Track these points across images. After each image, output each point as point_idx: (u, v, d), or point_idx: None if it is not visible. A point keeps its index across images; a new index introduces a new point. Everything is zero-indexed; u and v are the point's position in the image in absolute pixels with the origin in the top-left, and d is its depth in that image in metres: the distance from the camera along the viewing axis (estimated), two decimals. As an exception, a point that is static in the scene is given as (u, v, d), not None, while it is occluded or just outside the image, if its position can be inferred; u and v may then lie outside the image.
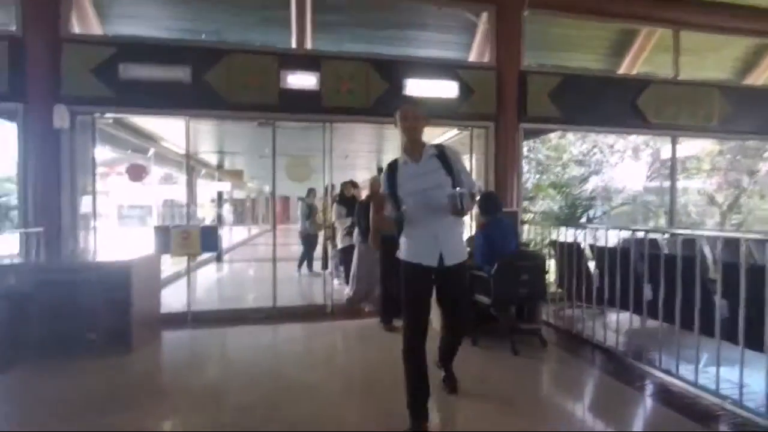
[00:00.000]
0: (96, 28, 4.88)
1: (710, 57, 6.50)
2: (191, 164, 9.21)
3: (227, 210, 12.32)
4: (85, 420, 2.47)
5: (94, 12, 4.87)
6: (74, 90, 4.30)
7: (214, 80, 4.58)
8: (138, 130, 6.71)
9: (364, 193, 6.00)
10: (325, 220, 6.49)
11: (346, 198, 5.94)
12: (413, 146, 2.40)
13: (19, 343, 3.36)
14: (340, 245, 6.01)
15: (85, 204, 4.57)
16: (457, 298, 2.47)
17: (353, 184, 6.16)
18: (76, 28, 4.58)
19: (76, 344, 3.52)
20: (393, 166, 2.42)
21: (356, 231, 5.07)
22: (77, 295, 3.53)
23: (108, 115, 4.73)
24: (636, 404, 2.81)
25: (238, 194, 16.08)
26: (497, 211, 3.89)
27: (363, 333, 4.36)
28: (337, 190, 6.49)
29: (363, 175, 12.00)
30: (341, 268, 6.42)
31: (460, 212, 2.19)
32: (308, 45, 4.92)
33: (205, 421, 2.50)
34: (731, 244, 3.11)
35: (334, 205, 6.00)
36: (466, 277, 2.85)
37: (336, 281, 6.33)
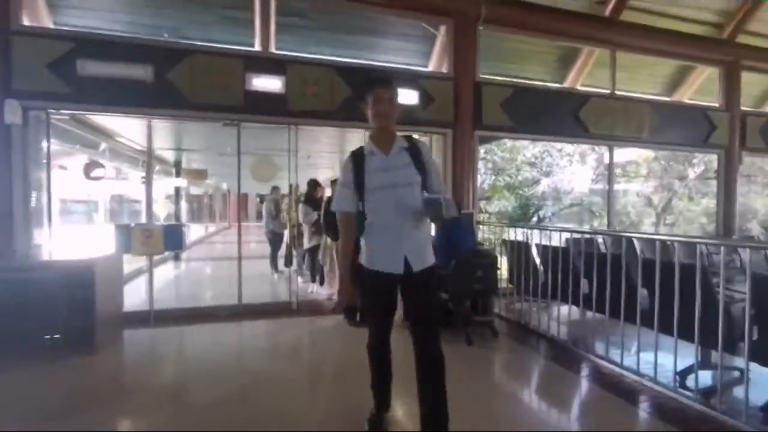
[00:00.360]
0: (46, 20, 4.69)
1: (643, 74, 7.21)
2: (150, 161, 8.96)
3: (184, 207, 11.97)
4: (50, 422, 2.49)
5: (44, 2, 4.70)
6: (27, 85, 4.16)
7: (177, 80, 4.57)
8: (91, 125, 6.47)
9: (327, 192, 6.18)
10: (290, 219, 6.56)
11: (314, 198, 6.04)
12: (383, 135, 2.13)
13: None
14: (307, 245, 6.10)
15: (36, 201, 4.42)
16: (428, 317, 2.17)
17: (317, 184, 6.27)
18: (26, 20, 4.40)
19: (38, 345, 3.46)
20: (359, 154, 2.12)
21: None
22: (37, 295, 3.47)
23: (64, 111, 4.57)
24: (573, 385, 3.21)
25: (195, 191, 15.61)
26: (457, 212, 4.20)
27: (329, 328, 4.54)
28: (302, 190, 6.58)
29: (325, 173, 12.11)
30: (304, 267, 6.56)
31: (439, 220, 2.06)
32: (272, 47, 5.01)
33: (175, 419, 2.58)
34: (649, 244, 3.60)
35: (300, 204, 6.08)
36: (437, 286, 2.39)
37: (300, 279, 6.46)
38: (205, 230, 16.72)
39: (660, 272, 2.92)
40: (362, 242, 2.17)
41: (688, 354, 2.85)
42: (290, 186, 6.44)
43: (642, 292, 3.16)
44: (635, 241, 4.20)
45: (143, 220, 9.74)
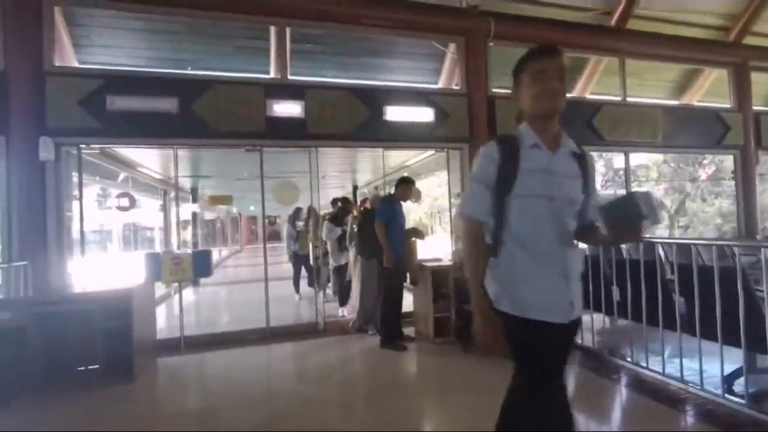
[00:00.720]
0: (72, 60, 4.89)
1: (650, 79, 7.28)
2: (166, 189, 9.14)
3: (198, 233, 12.11)
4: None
5: (69, 43, 4.90)
6: (60, 122, 4.32)
7: (201, 110, 4.71)
8: (113, 156, 6.64)
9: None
10: (313, 238, 6.55)
11: (338, 217, 5.98)
12: (547, 126, 1.55)
13: (19, 377, 3.31)
14: (333, 263, 6.02)
15: (69, 234, 4.53)
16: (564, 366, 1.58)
17: (347, 201, 6.32)
18: (56, 61, 4.60)
19: (78, 375, 3.50)
20: (510, 142, 1.53)
21: (349, 249, 5.18)
22: (76, 326, 3.55)
23: (94, 146, 4.72)
24: (615, 395, 3.17)
25: (208, 216, 15.81)
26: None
27: (357, 348, 4.53)
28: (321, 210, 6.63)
29: (336, 193, 12.25)
30: (330, 287, 6.54)
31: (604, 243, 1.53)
32: (288, 73, 5.16)
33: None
34: (683, 248, 3.59)
35: (326, 222, 5.99)
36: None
37: (323, 299, 6.42)
38: (219, 254, 16.83)
39: (698, 276, 2.91)
40: (498, 274, 1.50)
41: (728, 359, 2.81)
42: (309, 208, 6.47)
43: (679, 299, 3.14)
44: (660, 246, 4.20)
45: (157, 247, 9.87)
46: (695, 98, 7.48)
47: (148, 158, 7.19)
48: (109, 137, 4.57)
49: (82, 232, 4.58)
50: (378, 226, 4.32)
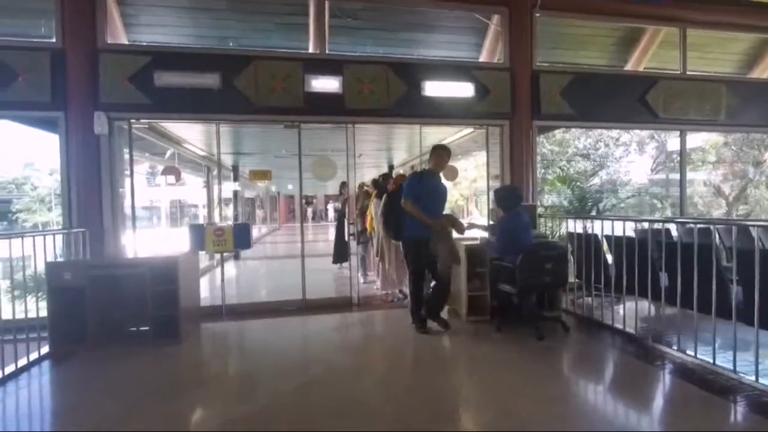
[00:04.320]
0: (122, 38, 5.09)
1: (716, 52, 6.67)
2: (210, 166, 9.48)
3: (239, 210, 12.53)
4: (148, 407, 2.68)
5: (120, 22, 5.09)
6: (112, 98, 4.53)
7: (242, 85, 4.80)
8: (161, 132, 6.94)
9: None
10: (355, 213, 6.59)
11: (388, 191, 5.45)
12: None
13: (77, 334, 3.60)
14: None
15: (125, 205, 4.81)
16: None
17: (390, 176, 6.24)
18: (108, 39, 4.80)
19: (129, 335, 3.77)
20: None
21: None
22: (128, 289, 3.80)
23: (143, 120, 4.94)
24: (661, 382, 3.02)
25: (248, 194, 16.30)
26: (518, 204, 4.11)
27: (389, 324, 4.59)
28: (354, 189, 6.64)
29: (371, 172, 12.24)
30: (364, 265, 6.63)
31: None
32: (327, 49, 5.13)
33: (263, 403, 2.71)
34: (743, 232, 3.32)
35: (375, 200, 5.70)
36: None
37: (361, 279, 6.42)
38: (258, 231, 17.40)
39: (760, 262, 2.69)
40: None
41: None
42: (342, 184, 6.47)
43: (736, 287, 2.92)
44: (713, 230, 3.91)
45: (201, 221, 10.29)
46: (766, 72, 6.79)
47: (192, 134, 7.44)
48: (157, 112, 4.76)
49: (133, 207, 4.84)
50: (405, 205, 3.93)
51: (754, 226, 2.99)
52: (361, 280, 6.29)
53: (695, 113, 5.93)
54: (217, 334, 4.27)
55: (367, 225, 6.12)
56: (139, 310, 3.80)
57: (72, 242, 4.23)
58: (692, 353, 3.19)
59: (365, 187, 6.97)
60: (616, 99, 5.74)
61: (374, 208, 5.67)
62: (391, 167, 11.69)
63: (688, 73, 6.04)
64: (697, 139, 11.29)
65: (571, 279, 4.85)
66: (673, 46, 6.09)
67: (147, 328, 3.79)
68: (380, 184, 5.91)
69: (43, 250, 3.56)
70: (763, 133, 8.57)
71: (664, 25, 6.01)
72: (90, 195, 4.52)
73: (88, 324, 3.63)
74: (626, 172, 14.12)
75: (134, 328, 3.97)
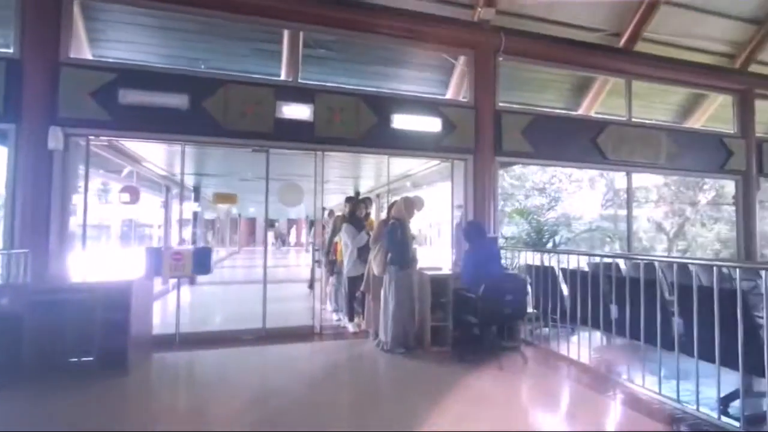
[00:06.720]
0: (86, 53, 4.94)
1: (656, 101, 7.37)
2: (169, 185, 9.15)
3: (197, 232, 12.08)
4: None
5: (85, 36, 4.96)
6: (71, 112, 4.35)
7: (211, 108, 4.75)
8: (119, 149, 6.67)
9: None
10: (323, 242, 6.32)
11: (357, 218, 5.40)
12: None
13: (12, 365, 3.29)
14: (352, 272, 5.21)
15: (73, 225, 4.54)
16: None
17: (360, 201, 5.74)
18: (71, 52, 4.64)
19: (71, 366, 3.49)
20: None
21: (378, 260, 4.60)
22: (73, 316, 3.54)
23: (103, 138, 4.76)
24: (612, 412, 3.16)
25: (208, 216, 15.78)
26: (481, 237, 4.26)
27: (352, 353, 4.52)
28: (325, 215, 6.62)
29: (339, 198, 12.28)
30: (337, 298, 5.95)
31: None
32: (300, 77, 5.22)
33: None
34: (682, 269, 3.60)
35: (344, 225, 5.32)
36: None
37: (332, 312, 6.06)
38: (216, 255, 16.78)
39: (697, 297, 2.92)
40: None
41: (725, 381, 2.80)
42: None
43: (678, 320, 3.15)
44: (657, 266, 4.21)
45: (155, 244, 9.83)
46: (699, 122, 7.55)
47: (153, 154, 7.19)
48: (119, 130, 4.60)
49: (84, 225, 4.58)
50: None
51: (692, 263, 3.25)
52: (350, 328, 5.31)
53: (639, 156, 6.46)
54: (168, 364, 4.03)
55: (337, 256, 5.74)
56: (84, 339, 3.54)
57: (12, 264, 3.93)
58: (640, 383, 3.37)
59: (336, 214, 6.79)
60: (571, 140, 6.16)
61: (344, 237, 5.27)
62: (357, 194, 11.78)
63: (633, 119, 6.60)
64: (641, 179, 12.24)
65: (530, 309, 5.02)
66: (620, 95, 6.67)
67: (91, 358, 3.52)
68: (351, 209, 5.49)
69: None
70: (697, 176, 9.42)
71: (611, 75, 6.59)
72: (37, 213, 4.24)
73: (24, 354, 3.34)
74: (579, 206, 14.96)
75: (76, 359, 3.67)
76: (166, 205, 9.31)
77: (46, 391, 3.21)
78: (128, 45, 5.24)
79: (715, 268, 2.94)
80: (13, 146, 4.22)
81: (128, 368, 3.55)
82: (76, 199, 4.59)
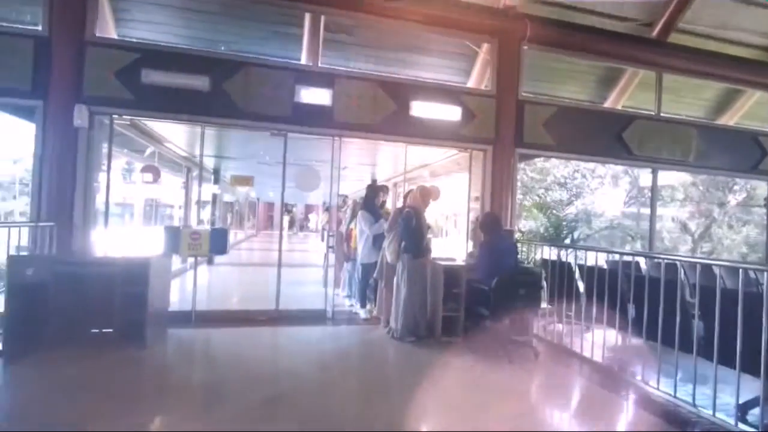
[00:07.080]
0: (111, 32, 5.01)
1: (687, 96, 7.07)
2: (190, 167, 9.31)
3: (217, 214, 12.29)
4: (104, 413, 2.56)
5: (111, 16, 5.02)
6: (96, 91, 4.44)
7: (231, 90, 4.78)
8: (142, 129, 6.79)
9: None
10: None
11: (375, 205, 5.34)
12: None
13: (36, 333, 3.43)
14: (365, 260, 5.18)
15: (98, 202, 4.66)
16: None
17: (379, 188, 5.63)
18: (97, 32, 4.71)
19: (91, 337, 3.61)
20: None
21: (391, 248, 4.54)
22: (94, 289, 3.65)
23: (126, 116, 4.84)
24: (623, 411, 3.11)
25: (227, 198, 16.03)
26: (497, 229, 4.20)
27: (365, 338, 4.55)
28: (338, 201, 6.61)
29: (355, 186, 12.29)
30: (351, 284, 5.93)
31: None
32: (319, 61, 5.19)
33: (229, 415, 2.63)
34: (706, 270, 3.48)
35: (361, 212, 5.29)
36: None
37: (345, 298, 6.02)
38: (234, 237, 17.07)
39: (720, 300, 2.82)
40: None
41: (744, 387, 2.71)
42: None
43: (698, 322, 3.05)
44: (679, 266, 4.08)
45: (174, 224, 10.07)
46: (733, 120, 7.22)
47: (175, 134, 7.30)
48: (141, 109, 4.68)
49: (107, 203, 4.70)
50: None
51: (717, 265, 3.13)
52: (362, 314, 5.24)
53: (667, 153, 6.23)
54: (184, 340, 4.15)
55: (352, 242, 5.71)
56: (105, 312, 3.66)
57: (38, 236, 4.07)
58: (655, 385, 3.29)
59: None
60: (595, 134, 5.98)
61: (361, 223, 5.22)
62: (374, 182, 11.75)
63: (662, 114, 6.35)
64: (667, 176, 11.85)
65: (544, 305, 4.95)
66: (650, 88, 6.42)
67: (111, 330, 3.64)
68: (369, 195, 5.42)
69: (6, 243, 3.41)
70: (728, 176, 9.03)
71: (642, 68, 6.33)
72: (62, 188, 4.36)
73: (48, 323, 3.47)
74: (600, 203, 14.62)
75: (97, 330, 3.81)
76: (187, 186, 9.47)
77: (67, 359, 3.33)
78: (152, 26, 5.29)
79: (741, 270, 2.82)
80: (41, 123, 4.33)
81: (146, 341, 3.66)
82: (101, 177, 4.71)
